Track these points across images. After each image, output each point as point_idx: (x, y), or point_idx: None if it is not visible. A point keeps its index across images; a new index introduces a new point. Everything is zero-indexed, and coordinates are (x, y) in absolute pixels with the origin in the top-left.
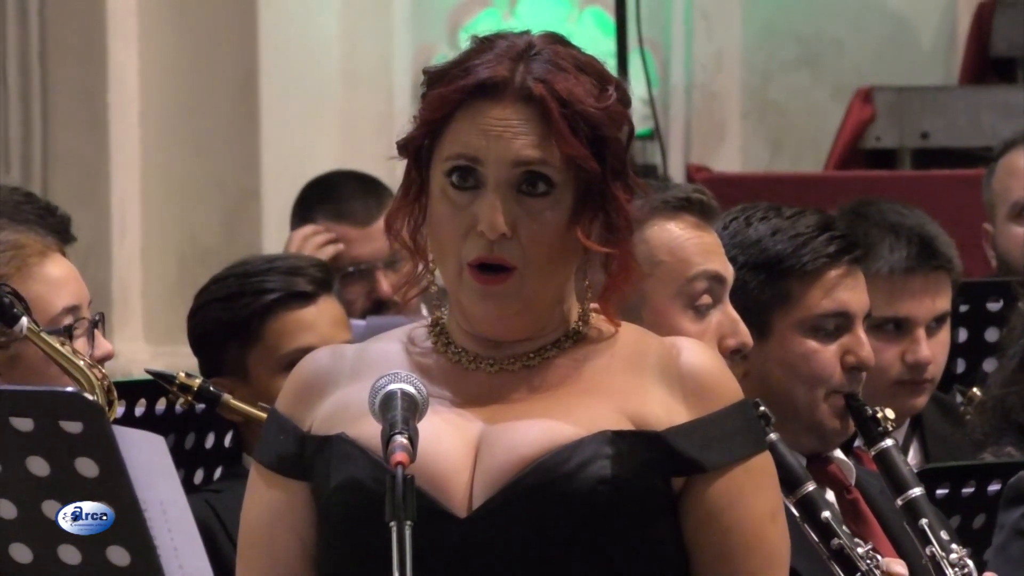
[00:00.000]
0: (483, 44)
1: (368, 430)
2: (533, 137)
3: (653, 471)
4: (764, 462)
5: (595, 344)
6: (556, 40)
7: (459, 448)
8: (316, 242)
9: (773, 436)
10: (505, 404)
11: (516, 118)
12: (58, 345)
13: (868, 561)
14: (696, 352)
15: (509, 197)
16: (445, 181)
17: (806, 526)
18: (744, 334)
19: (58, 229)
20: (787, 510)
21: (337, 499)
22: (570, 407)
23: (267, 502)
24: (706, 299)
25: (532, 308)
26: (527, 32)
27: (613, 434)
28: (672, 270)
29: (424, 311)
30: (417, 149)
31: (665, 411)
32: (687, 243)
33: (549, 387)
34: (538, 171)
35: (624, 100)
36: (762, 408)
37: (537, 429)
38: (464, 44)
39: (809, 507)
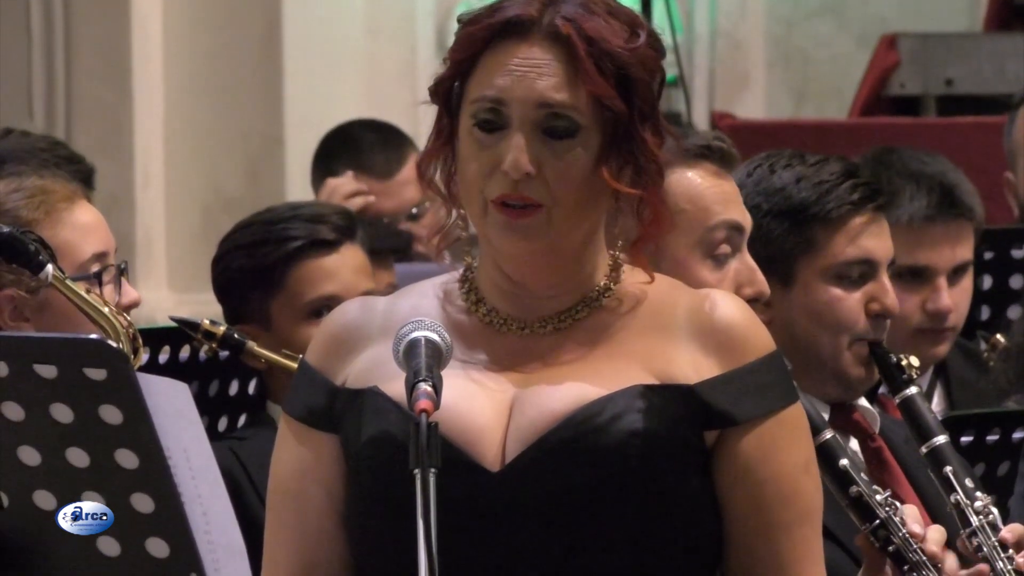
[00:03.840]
0: None
1: (402, 387)
2: (558, 78)
3: (685, 425)
4: (796, 413)
5: (624, 303)
6: None
7: (493, 407)
8: (343, 192)
9: None
10: (535, 367)
11: (542, 57)
12: (83, 292)
13: (887, 508)
14: (727, 305)
15: (534, 137)
16: (471, 122)
17: (824, 474)
18: (761, 283)
19: (83, 178)
20: None
21: (368, 452)
22: (599, 369)
23: (296, 455)
24: (725, 248)
25: (560, 251)
26: None
27: (645, 388)
28: (692, 219)
29: (447, 259)
30: (447, 92)
31: (693, 368)
32: (707, 192)
33: (578, 350)
34: (562, 113)
35: (656, 47)
36: None
37: (568, 388)
38: None
39: (827, 455)
